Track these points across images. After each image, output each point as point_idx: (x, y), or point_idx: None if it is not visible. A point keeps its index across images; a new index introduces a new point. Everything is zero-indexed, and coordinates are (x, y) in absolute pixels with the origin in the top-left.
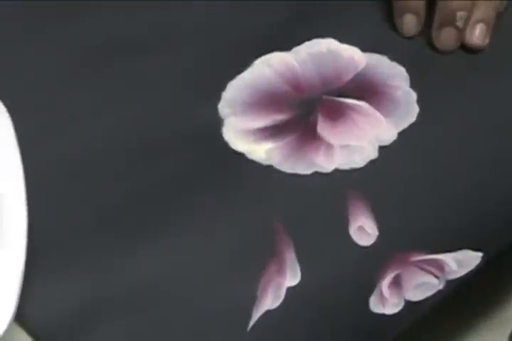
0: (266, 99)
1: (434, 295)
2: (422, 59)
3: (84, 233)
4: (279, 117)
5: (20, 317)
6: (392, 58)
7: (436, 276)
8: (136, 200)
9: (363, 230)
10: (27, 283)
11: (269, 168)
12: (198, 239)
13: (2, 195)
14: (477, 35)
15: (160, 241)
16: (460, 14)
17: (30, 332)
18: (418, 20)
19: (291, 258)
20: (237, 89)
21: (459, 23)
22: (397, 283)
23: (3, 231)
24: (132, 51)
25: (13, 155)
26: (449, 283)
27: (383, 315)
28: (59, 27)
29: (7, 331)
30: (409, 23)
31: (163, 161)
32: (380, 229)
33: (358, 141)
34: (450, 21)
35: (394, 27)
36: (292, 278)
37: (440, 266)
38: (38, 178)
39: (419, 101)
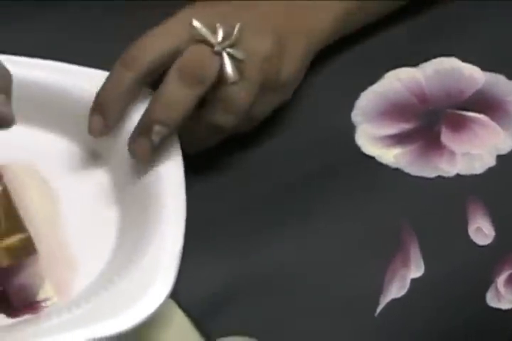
0: (394, 109)
1: None
2: None
3: (230, 220)
4: (406, 126)
5: (173, 293)
6: (509, 77)
7: None
8: (276, 194)
9: (481, 231)
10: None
11: (397, 170)
12: (332, 232)
13: (162, 174)
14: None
15: (296, 232)
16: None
17: (180, 305)
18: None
19: (415, 253)
20: (368, 99)
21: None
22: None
23: (163, 212)
24: None
25: (172, 137)
26: None
27: (499, 310)
28: None
29: (163, 304)
30: None
31: (301, 162)
32: (497, 230)
33: (478, 149)
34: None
35: (509, 47)
36: (416, 270)
37: None
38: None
39: None
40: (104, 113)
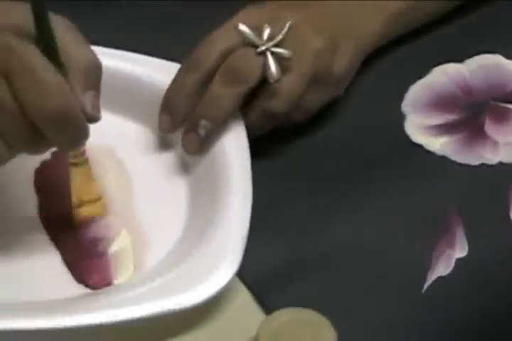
0: (441, 101)
1: None
2: None
3: (293, 200)
4: (451, 117)
5: (238, 271)
6: None
7: None
8: (331, 179)
9: None
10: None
11: (443, 158)
12: (383, 215)
13: (229, 158)
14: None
15: (351, 214)
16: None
17: (244, 282)
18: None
19: (460, 234)
20: (417, 91)
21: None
22: None
23: (231, 195)
24: None
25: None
26: None
27: None
28: None
29: (230, 282)
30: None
31: (353, 149)
32: None
33: None
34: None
35: None
36: (461, 251)
37: None
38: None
39: None
40: (172, 113)
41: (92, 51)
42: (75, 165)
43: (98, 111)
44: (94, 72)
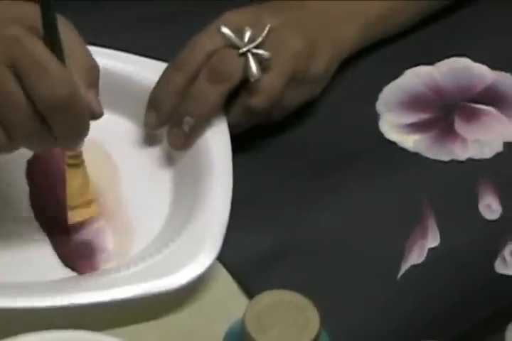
0: (413, 101)
1: None
2: None
3: (275, 191)
4: (423, 116)
5: (221, 256)
6: None
7: None
8: (312, 173)
9: (490, 207)
10: (228, 230)
11: (417, 154)
12: (359, 206)
13: (211, 150)
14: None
15: (327, 206)
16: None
17: (227, 267)
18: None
19: (432, 225)
20: (391, 92)
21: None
22: None
23: (212, 184)
24: None
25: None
26: None
27: (506, 276)
28: None
29: (210, 266)
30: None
31: (333, 145)
32: (504, 207)
33: (487, 137)
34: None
35: None
36: (433, 241)
37: None
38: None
39: None
40: (158, 109)
41: (89, 51)
42: (73, 166)
43: (101, 107)
44: (94, 71)
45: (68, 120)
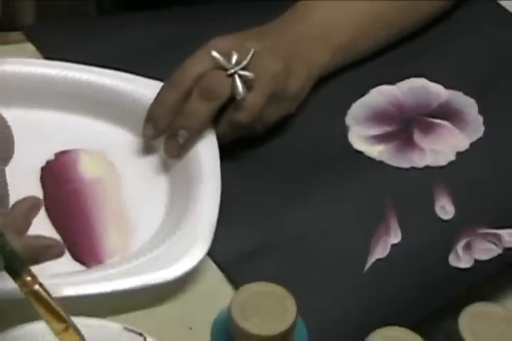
0: (378, 116)
1: (495, 257)
2: (487, 93)
3: (257, 193)
4: (387, 129)
5: (210, 251)
6: (466, 93)
7: (495, 244)
8: (291, 176)
9: (444, 209)
10: (216, 228)
11: (381, 162)
12: (331, 205)
13: (202, 158)
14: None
15: (304, 206)
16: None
17: (215, 261)
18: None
19: (394, 224)
20: (358, 108)
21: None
22: (468, 247)
23: (202, 188)
24: None
25: (209, 131)
26: (506, 249)
27: (458, 269)
28: None
29: (201, 261)
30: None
31: (306, 154)
32: (456, 208)
33: (441, 147)
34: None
35: (470, 70)
36: (395, 237)
37: (498, 237)
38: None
39: (484, 123)
40: (154, 123)
41: None
42: (32, 295)
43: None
44: None
45: None
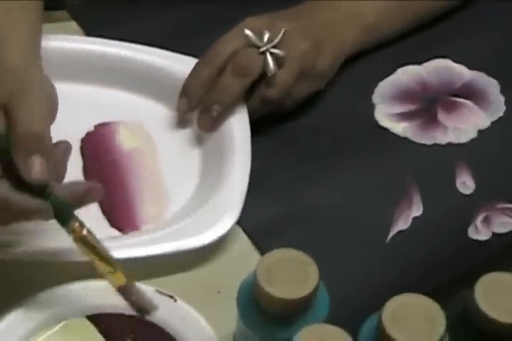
0: (403, 95)
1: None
2: (509, 74)
3: (285, 168)
4: (411, 107)
5: (239, 221)
6: (488, 74)
7: None
8: (316, 152)
9: (465, 184)
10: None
11: (405, 139)
12: (356, 181)
13: (233, 132)
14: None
15: (329, 181)
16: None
17: (243, 229)
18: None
19: (416, 198)
20: (384, 86)
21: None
22: (486, 221)
23: (234, 159)
24: None
25: (240, 106)
26: None
27: (477, 241)
28: None
29: (231, 228)
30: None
31: (333, 130)
32: (477, 184)
33: (464, 125)
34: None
35: (493, 51)
36: (417, 210)
37: None
38: None
39: (506, 102)
40: (189, 97)
41: None
42: (80, 241)
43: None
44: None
45: None
